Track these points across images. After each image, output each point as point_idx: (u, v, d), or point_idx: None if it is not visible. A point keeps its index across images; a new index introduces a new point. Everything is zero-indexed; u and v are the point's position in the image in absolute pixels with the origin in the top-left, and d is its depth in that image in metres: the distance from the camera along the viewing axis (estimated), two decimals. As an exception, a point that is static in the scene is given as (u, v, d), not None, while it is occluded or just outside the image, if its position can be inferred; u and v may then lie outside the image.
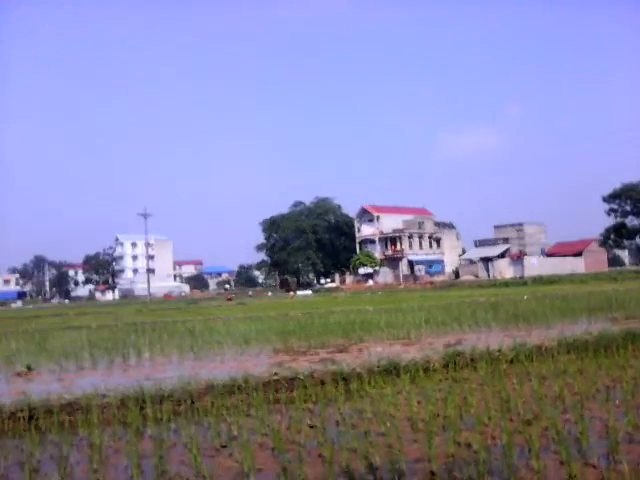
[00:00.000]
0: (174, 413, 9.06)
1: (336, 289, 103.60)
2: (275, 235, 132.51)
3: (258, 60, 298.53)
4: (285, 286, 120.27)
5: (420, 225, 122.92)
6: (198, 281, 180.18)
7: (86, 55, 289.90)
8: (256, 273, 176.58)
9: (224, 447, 7.22)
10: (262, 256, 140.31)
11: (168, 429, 7.97)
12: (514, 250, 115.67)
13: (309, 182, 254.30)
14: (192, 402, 9.61)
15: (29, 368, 14.27)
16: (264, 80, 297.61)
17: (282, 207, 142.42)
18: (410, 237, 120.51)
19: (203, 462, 6.38)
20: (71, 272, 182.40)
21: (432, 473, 5.86)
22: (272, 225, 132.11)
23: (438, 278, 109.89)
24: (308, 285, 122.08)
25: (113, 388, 9.97)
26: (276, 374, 10.63)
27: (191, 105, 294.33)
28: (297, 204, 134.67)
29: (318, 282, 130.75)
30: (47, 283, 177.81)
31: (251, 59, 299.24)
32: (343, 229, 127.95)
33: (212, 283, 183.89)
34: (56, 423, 8.63)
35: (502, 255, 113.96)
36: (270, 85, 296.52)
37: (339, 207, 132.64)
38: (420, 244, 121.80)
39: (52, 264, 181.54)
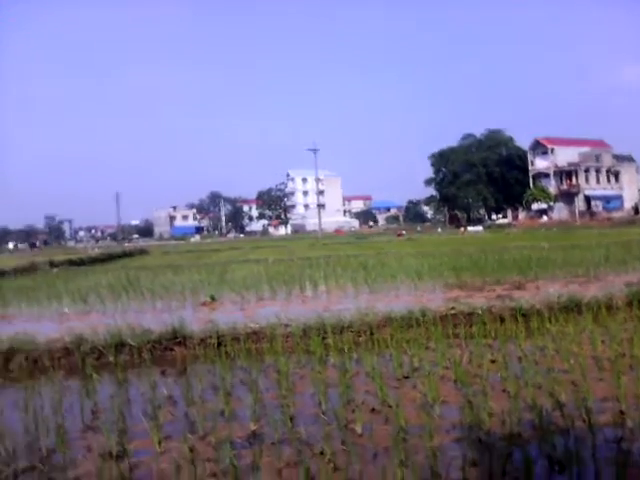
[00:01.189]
0: (354, 343, 9.28)
1: (508, 225, 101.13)
2: (444, 169, 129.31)
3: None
4: (455, 222, 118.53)
5: (597, 158, 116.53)
6: (367, 216, 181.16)
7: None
8: (425, 208, 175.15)
9: (406, 378, 7.34)
10: (431, 191, 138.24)
11: (350, 359, 8.15)
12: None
13: (480, 113, 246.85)
14: (371, 333, 9.80)
15: (212, 298, 14.98)
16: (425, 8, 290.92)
17: (452, 140, 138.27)
18: (587, 171, 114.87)
19: (388, 392, 6.52)
20: (245, 207, 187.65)
21: (621, 412, 5.71)
22: (441, 159, 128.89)
23: (616, 214, 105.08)
24: (478, 221, 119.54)
25: (294, 318, 10.31)
26: (453, 309, 10.63)
27: (360, 40, 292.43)
28: (467, 136, 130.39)
29: (489, 218, 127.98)
30: (223, 218, 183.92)
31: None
32: (515, 162, 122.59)
33: (381, 218, 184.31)
34: (243, 350, 9.05)
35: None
36: (432, 13, 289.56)
37: (511, 139, 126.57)
38: (597, 178, 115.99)
39: (227, 199, 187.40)
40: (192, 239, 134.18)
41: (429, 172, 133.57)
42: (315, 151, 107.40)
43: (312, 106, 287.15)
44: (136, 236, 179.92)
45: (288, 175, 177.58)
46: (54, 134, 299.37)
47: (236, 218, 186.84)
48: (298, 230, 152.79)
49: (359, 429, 5.66)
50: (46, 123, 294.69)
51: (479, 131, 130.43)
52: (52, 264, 34.88)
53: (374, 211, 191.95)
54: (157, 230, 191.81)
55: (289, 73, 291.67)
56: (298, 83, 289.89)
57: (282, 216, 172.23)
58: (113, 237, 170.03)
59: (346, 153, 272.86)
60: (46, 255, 52.31)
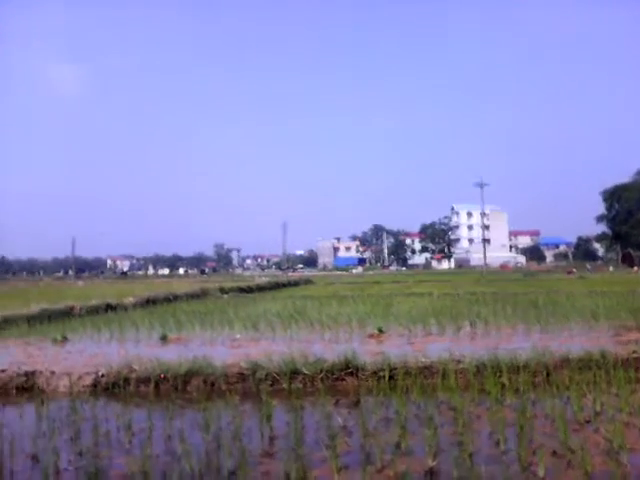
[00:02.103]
0: (531, 384, 9.02)
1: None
2: (617, 206, 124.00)
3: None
4: (627, 260, 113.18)
5: None
6: (534, 252, 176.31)
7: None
8: (596, 246, 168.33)
9: (588, 422, 7.07)
10: (602, 228, 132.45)
11: (527, 400, 7.91)
12: None
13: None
14: (548, 374, 9.51)
15: (380, 330, 15.02)
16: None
17: (626, 174, 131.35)
18: None
19: (569, 435, 6.28)
20: (408, 240, 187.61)
21: None
22: (613, 195, 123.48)
23: None
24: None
25: (466, 355, 10.16)
26: (635, 352, 10.16)
27: (531, 70, 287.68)
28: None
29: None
30: (385, 250, 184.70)
31: None
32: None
33: (549, 255, 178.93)
34: (417, 385, 8.96)
35: None
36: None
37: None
38: None
39: (390, 232, 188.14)
40: (354, 270, 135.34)
41: (601, 208, 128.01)
42: (482, 185, 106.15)
43: (478, 139, 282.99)
44: (300, 266, 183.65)
45: (452, 209, 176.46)
46: (225, 167, 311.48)
47: (398, 251, 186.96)
48: (461, 265, 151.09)
49: (541, 472, 5.48)
50: (214, 156, 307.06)
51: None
52: (222, 290, 36.18)
53: (542, 247, 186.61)
54: (321, 260, 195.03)
55: (455, 106, 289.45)
56: (465, 115, 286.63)
57: (445, 250, 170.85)
58: (278, 266, 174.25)
59: (514, 187, 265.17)
60: (215, 281, 54.21)
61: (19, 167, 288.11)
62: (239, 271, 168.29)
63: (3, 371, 10.69)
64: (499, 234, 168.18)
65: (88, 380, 10.28)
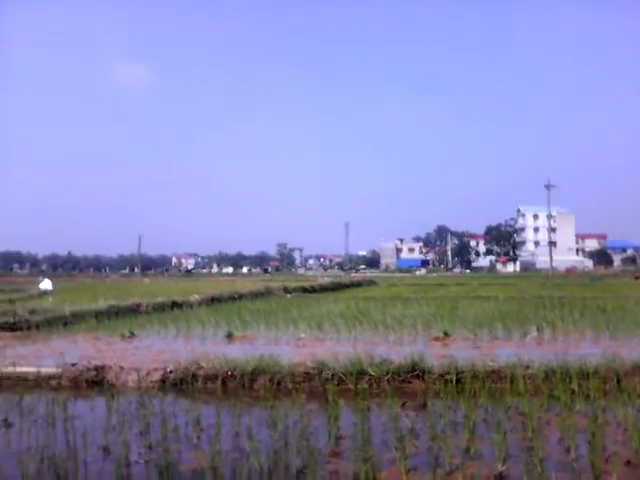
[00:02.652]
0: (601, 391, 8.84)
1: None
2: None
3: None
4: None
5: None
6: (601, 256, 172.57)
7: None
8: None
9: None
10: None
11: (598, 406, 7.74)
12: None
13: None
14: (618, 381, 9.32)
15: (446, 334, 14.93)
16: None
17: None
18: None
19: (643, 444, 6.17)
20: (472, 242, 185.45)
21: None
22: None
23: None
24: None
25: (534, 360, 10.04)
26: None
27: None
28: None
29: None
30: (449, 252, 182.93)
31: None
32: None
33: (616, 259, 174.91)
34: (485, 389, 8.86)
35: None
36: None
37: None
38: None
39: (454, 234, 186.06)
40: (417, 272, 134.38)
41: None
42: (549, 187, 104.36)
43: (545, 138, 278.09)
44: (363, 266, 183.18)
45: (519, 211, 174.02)
46: (289, 167, 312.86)
47: (462, 253, 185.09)
48: (527, 267, 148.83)
49: (614, 481, 5.39)
50: (279, 155, 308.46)
51: None
52: (286, 290, 36.43)
53: (609, 251, 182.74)
54: (383, 261, 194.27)
55: (524, 104, 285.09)
56: (533, 114, 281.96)
57: (510, 253, 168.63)
58: (340, 266, 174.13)
59: (582, 188, 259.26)
60: (278, 280, 54.56)
61: (87, 164, 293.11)
62: (301, 271, 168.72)
63: (74, 365, 10.95)
64: (566, 237, 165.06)
65: (156, 376, 10.46)
